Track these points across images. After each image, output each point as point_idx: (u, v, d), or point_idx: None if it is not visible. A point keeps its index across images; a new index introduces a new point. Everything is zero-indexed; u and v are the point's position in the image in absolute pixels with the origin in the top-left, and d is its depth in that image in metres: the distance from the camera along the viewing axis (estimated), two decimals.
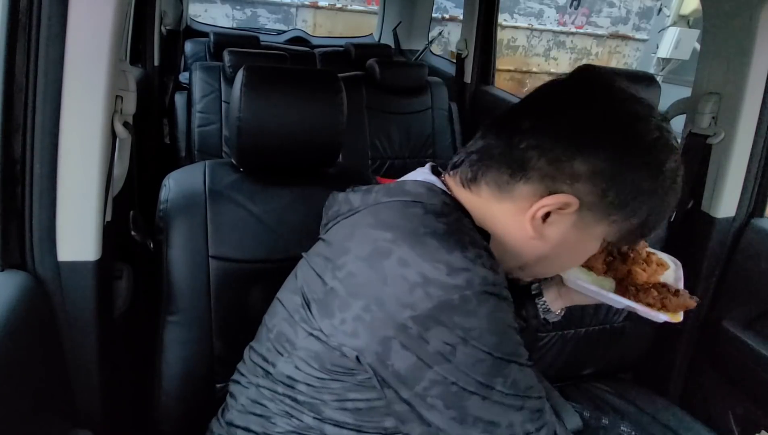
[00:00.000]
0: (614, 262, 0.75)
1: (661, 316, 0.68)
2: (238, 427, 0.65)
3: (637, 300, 0.70)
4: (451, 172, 0.62)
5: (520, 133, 0.56)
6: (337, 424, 0.58)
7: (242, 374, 0.68)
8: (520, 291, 0.84)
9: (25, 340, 0.66)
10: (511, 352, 0.51)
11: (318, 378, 0.57)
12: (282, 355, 0.61)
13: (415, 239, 0.51)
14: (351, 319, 0.53)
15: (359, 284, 0.53)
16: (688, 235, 1.21)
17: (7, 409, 0.60)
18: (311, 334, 0.56)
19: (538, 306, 0.81)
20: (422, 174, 0.64)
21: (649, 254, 0.76)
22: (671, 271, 0.78)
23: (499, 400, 0.51)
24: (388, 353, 0.51)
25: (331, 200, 0.66)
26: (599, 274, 0.76)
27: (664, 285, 0.73)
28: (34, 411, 0.68)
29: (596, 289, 0.71)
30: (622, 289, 0.73)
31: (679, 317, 0.69)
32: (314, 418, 0.59)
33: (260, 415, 0.63)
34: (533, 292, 0.82)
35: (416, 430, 0.53)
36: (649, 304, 0.69)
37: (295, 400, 0.59)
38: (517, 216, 0.57)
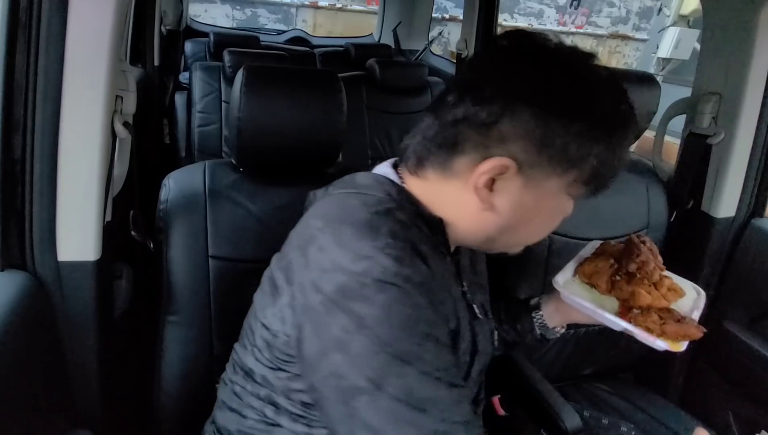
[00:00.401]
0: (619, 281, 0.71)
1: (659, 343, 0.64)
2: (221, 425, 0.67)
3: (636, 323, 0.67)
4: (402, 164, 0.63)
5: (447, 108, 0.56)
6: (292, 417, 0.59)
7: (226, 372, 0.69)
8: (517, 304, 0.83)
9: (25, 340, 0.66)
10: (411, 353, 0.48)
11: (269, 368, 0.58)
12: (246, 348, 0.62)
13: (336, 227, 0.53)
14: (283, 305, 0.54)
15: (292, 271, 0.54)
16: (688, 235, 1.21)
17: (7, 409, 0.60)
18: (263, 324, 0.58)
19: (534, 320, 0.79)
20: (382, 167, 0.64)
21: (662, 278, 0.72)
22: (689, 299, 0.73)
23: (388, 406, 0.47)
24: (303, 338, 0.52)
25: (309, 197, 0.68)
26: (603, 293, 0.72)
27: (669, 310, 0.69)
28: (34, 411, 0.68)
29: (592, 307, 0.69)
30: (624, 311, 0.69)
31: (680, 346, 0.64)
32: (274, 410, 0.59)
33: (235, 410, 0.64)
34: (532, 305, 0.81)
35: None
36: (648, 329, 0.66)
37: (257, 393, 0.60)
38: (465, 192, 0.56)
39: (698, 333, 0.65)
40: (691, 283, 0.77)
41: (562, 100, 0.52)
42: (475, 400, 0.69)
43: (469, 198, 0.56)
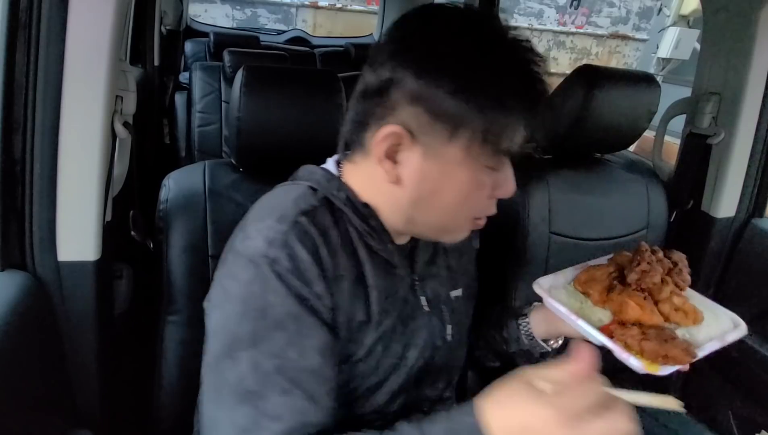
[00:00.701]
0: (613, 292, 0.64)
1: (633, 361, 0.56)
2: (198, 423, 0.68)
3: (615, 337, 0.58)
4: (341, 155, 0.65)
5: (355, 91, 0.58)
6: None
7: None
8: (507, 310, 0.80)
9: (25, 340, 0.66)
10: (251, 338, 0.49)
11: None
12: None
13: (249, 215, 0.59)
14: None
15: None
16: (688, 235, 1.21)
17: (7, 409, 0.60)
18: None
19: (520, 328, 0.74)
20: (330, 159, 0.66)
21: (673, 294, 0.62)
22: (712, 328, 0.62)
23: (220, 387, 0.50)
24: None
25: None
26: (595, 304, 0.65)
27: (662, 329, 0.59)
28: (34, 411, 0.68)
29: (567, 312, 0.61)
30: (613, 325, 0.61)
31: (657, 369, 0.55)
32: None
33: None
34: (519, 311, 0.77)
35: None
36: (626, 345, 0.57)
37: None
38: (376, 167, 0.56)
39: (685, 358, 0.55)
40: (732, 314, 0.65)
41: (437, 60, 0.51)
42: (420, 396, 0.67)
43: (380, 173, 0.56)
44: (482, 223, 0.61)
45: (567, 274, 0.71)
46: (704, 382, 1.25)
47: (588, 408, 0.41)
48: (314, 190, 0.60)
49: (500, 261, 1.04)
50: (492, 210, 0.60)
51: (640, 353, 0.56)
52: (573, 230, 1.07)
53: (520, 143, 0.54)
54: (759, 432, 0.84)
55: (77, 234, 0.73)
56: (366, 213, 0.59)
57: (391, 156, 0.55)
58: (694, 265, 1.22)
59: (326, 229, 0.56)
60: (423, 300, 0.66)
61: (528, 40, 0.54)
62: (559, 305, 0.63)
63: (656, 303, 0.62)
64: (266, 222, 0.55)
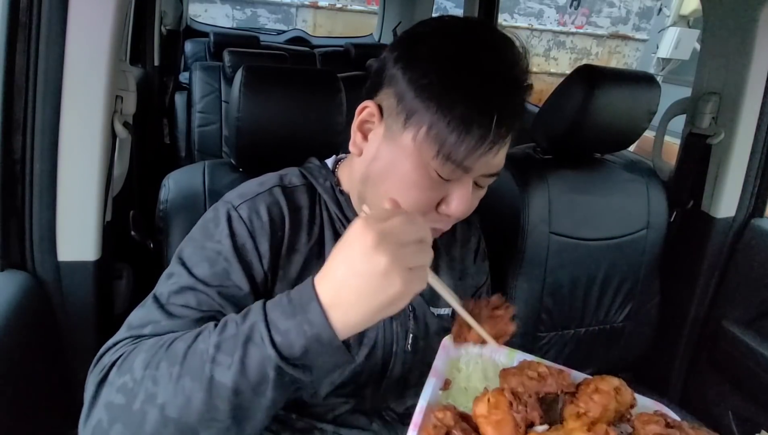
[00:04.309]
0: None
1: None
2: None
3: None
4: None
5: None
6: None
7: None
8: None
9: (25, 340, 0.66)
10: (187, 258, 0.56)
11: None
12: None
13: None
14: None
15: None
16: (688, 235, 1.21)
17: (7, 409, 0.60)
18: None
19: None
20: (332, 158, 0.72)
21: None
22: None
23: (163, 291, 0.55)
24: None
25: None
26: None
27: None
28: (34, 411, 0.68)
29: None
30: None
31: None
32: None
33: None
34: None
35: None
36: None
37: None
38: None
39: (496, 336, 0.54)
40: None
41: (413, 50, 0.55)
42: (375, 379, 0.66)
43: (358, 161, 0.61)
44: (432, 235, 0.57)
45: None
46: (704, 382, 1.25)
47: (403, 231, 0.41)
48: (303, 175, 0.66)
49: (500, 261, 1.04)
50: (438, 224, 0.59)
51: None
52: (573, 230, 1.07)
53: (473, 162, 0.53)
54: (759, 432, 0.84)
55: (77, 234, 0.73)
56: (342, 200, 0.64)
57: (364, 131, 0.59)
58: (694, 265, 1.23)
59: (298, 207, 0.62)
60: None
61: (520, 56, 0.54)
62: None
63: None
64: (249, 184, 0.63)
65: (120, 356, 0.48)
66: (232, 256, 0.56)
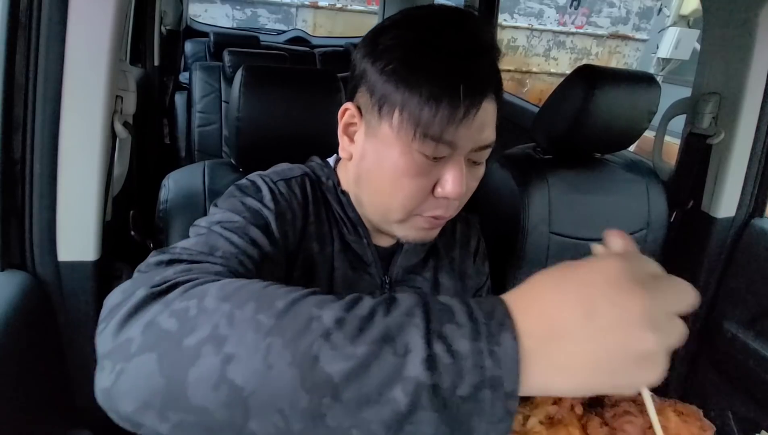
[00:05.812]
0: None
1: None
2: None
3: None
4: None
5: None
6: None
7: None
8: None
9: (25, 340, 0.66)
10: (222, 207, 0.54)
11: None
12: None
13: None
14: None
15: None
16: (688, 235, 1.21)
17: (7, 409, 0.60)
18: None
19: None
20: (333, 157, 0.70)
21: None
22: None
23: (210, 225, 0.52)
24: None
25: None
26: None
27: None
28: (34, 411, 0.68)
29: None
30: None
31: None
32: None
33: None
34: None
35: None
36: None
37: None
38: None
39: None
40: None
41: (378, 42, 0.55)
42: None
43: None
44: (436, 224, 0.59)
45: None
46: (704, 382, 1.25)
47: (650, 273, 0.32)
48: (308, 176, 0.65)
49: (500, 261, 1.04)
50: (438, 210, 0.57)
51: None
52: (573, 230, 1.07)
53: (452, 135, 0.52)
54: (759, 432, 0.84)
55: (77, 234, 0.73)
56: (344, 201, 0.63)
57: (350, 134, 0.59)
58: (694, 265, 1.23)
59: (317, 199, 0.63)
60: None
61: (481, 25, 0.54)
62: None
63: None
64: (281, 166, 0.65)
65: (190, 280, 0.38)
66: (273, 218, 0.55)
